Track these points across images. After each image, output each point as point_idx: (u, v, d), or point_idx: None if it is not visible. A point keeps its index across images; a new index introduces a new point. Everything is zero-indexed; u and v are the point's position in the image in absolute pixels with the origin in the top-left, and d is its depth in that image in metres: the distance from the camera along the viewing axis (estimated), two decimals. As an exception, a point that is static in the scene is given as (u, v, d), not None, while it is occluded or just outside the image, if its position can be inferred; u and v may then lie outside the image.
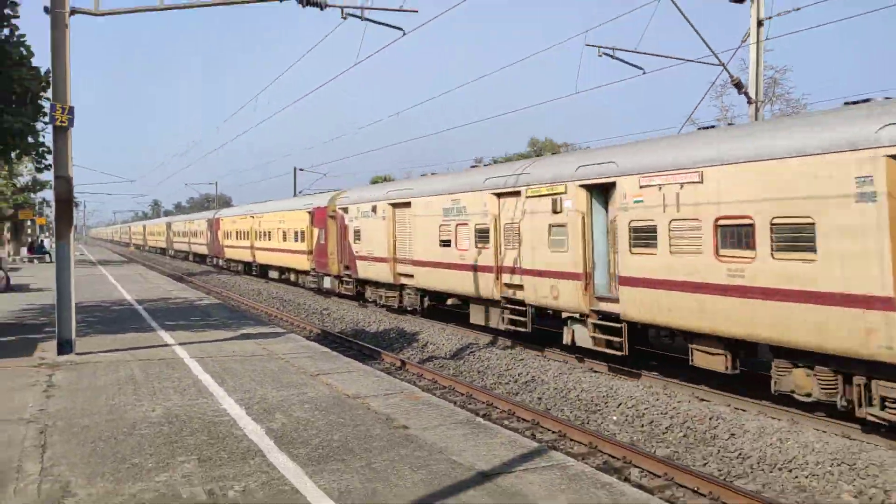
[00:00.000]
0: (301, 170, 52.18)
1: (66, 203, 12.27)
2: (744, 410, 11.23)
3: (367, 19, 15.07)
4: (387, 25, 14.96)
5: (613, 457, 9.86)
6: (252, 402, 8.95)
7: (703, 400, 11.94)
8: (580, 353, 15.03)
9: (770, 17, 14.14)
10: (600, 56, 15.28)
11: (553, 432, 11.09)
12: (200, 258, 59.15)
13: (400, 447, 7.10)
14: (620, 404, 12.14)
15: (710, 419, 10.87)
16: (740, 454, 9.65)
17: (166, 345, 13.58)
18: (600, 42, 15.79)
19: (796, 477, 8.83)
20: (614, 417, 11.72)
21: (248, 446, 7.08)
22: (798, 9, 13.41)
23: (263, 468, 6.44)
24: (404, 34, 15.20)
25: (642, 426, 11.20)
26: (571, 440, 10.74)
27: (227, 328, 16.05)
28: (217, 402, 8.91)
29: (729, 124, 13.78)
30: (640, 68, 15.84)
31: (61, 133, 12.02)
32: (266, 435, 7.48)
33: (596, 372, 14.37)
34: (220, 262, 50.21)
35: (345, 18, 15.06)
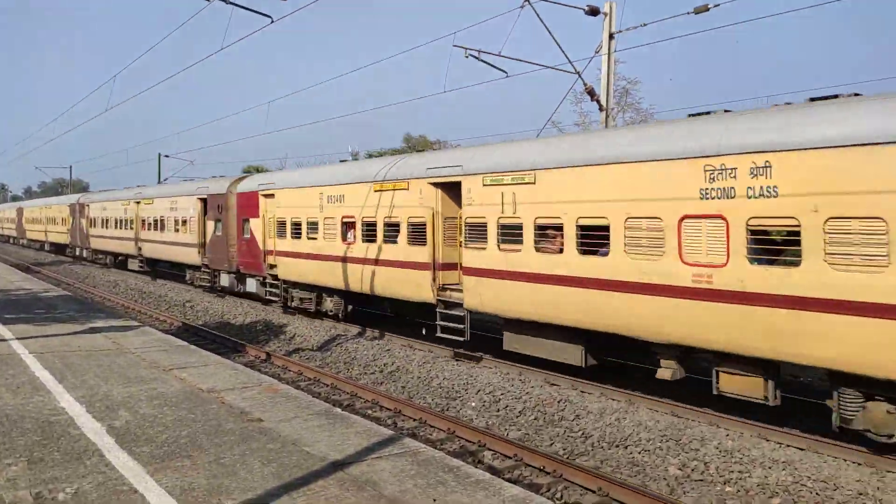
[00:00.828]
0: (166, 156, 49.26)
1: None
2: (589, 393, 12.08)
3: (234, 3, 14.56)
4: (254, 11, 14.53)
5: (470, 441, 10.28)
6: (94, 399, 8.49)
7: (553, 384, 12.70)
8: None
9: (620, 31, 15.22)
10: (467, 57, 15.74)
11: (414, 420, 11.38)
12: (173, 267, 32.58)
13: (252, 441, 7.05)
14: (479, 391, 12.66)
15: (559, 402, 11.60)
16: (583, 433, 10.39)
17: (2, 339, 12.51)
18: (468, 44, 16.25)
19: (630, 453, 9.64)
20: (473, 403, 12.20)
21: (85, 446, 6.74)
22: (644, 24, 14.61)
23: (100, 468, 6.17)
24: (273, 21, 14.82)
25: (498, 411, 11.74)
26: (431, 426, 11.07)
27: (74, 322, 15.01)
28: (54, 400, 8.38)
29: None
30: (504, 71, 16.49)
31: None
32: (107, 433, 7.15)
33: (458, 360, 14.86)
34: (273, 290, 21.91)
35: (209, 1, 14.46)
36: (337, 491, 5.82)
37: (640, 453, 9.59)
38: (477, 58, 15.86)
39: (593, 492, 8.32)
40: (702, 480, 8.65)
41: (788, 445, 9.36)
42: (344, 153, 53.98)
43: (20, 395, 8.60)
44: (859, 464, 8.67)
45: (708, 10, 13.23)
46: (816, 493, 8.01)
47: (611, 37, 15.39)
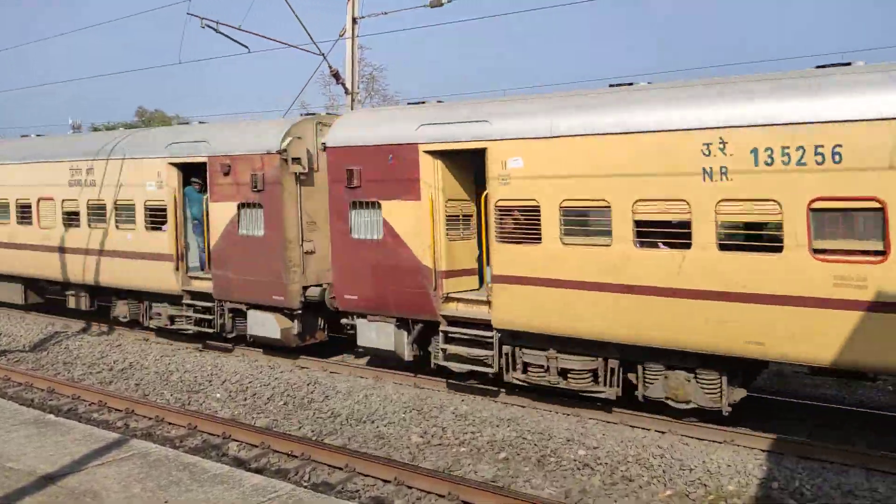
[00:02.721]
0: None
1: None
2: (338, 373, 12.26)
3: None
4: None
5: (213, 434, 9.81)
6: None
7: (303, 368, 12.66)
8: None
9: (363, 17, 15.46)
10: (203, 28, 14.70)
11: (150, 419, 10.53)
12: None
13: (-67, 464, 5.93)
14: (225, 381, 12.13)
15: (309, 385, 11.59)
16: (332, 413, 10.52)
17: None
18: (207, 13, 15.18)
19: (377, 427, 10.00)
20: (218, 395, 11.66)
21: None
22: (385, 13, 15.08)
23: None
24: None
25: (245, 400, 11.37)
26: (170, 424, 10.35)
27: None
28: None
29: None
30: (246, 46, 15.73)
31: None
32: None
33: (201, 351, 14.06)
34: None
35: None
36: (47, 508, 5.17)
37: (385, 426, 9.98)
38: (215, 29, 14.90)
39: (341, 469, 8.48)
40: (440, 445, 9.29)
41: (513, 405, 10.46)
42: (63, 126, 47.39)
43: None
44: (567, 414, 10.01)
45: (442, 5, 14.04)
46: (535, 444, 9.07)
47: (354, 21, 15.53)
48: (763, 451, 8.50)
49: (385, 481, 8.11)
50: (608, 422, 9.66)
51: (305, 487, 8.09)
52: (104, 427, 9.75)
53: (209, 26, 14.81)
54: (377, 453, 9.01)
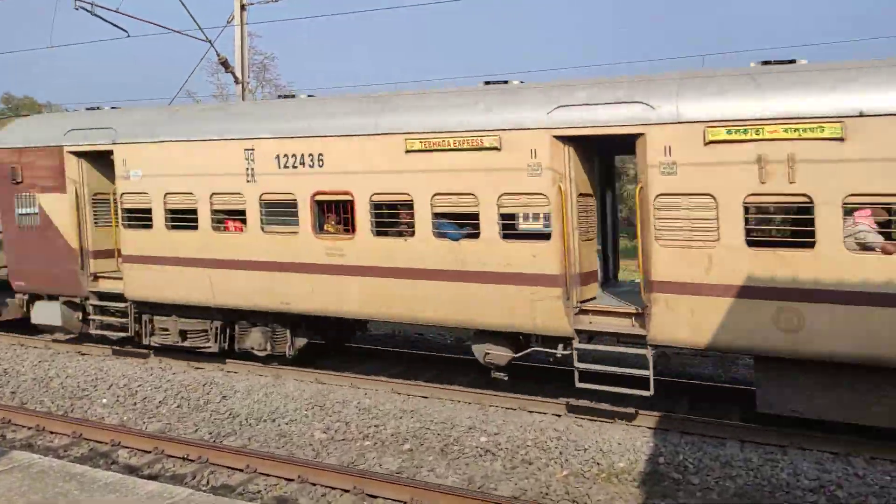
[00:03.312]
0: None
1: None
2: (235, 373, 11.90)
3: None
4: None
5: (101, 442, 9.30)
6: None
7: (198, 368, 12.20)
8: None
9: (252, 3, 14.97)
10: (77, 9, 13.69)
11: (29, 428, 9.84)
12: None
13: None
14: (112, 385, 11.50)
15: (204, 385, 11.20)
16: (231, 414, 10.23)
17: None
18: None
19: (279, 425, 9.82)
20: (104, 400, 11.03)
21: None
22: (276, 0, 14.65)
23: None
24: None
25: (135, 404, 10.83)
26: (52, 433, 9.71)
27: None
28: None
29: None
30: (125, 30, 14.80)
31: None
32: None
33: (85, 355, 13.23)
34: None
35: None
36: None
37: (287, 424, 9.83)
38: (90, 11, 13.92)
39: (241, 470, 8.28)
40: (344, 440, 9.26)
41: (415, 396, 10.57)
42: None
43: None
44: (469, 403, 10.25)
45: (338, -6, 13.87)
46: (438, 434, 9.23)
47: (242, 7, 15.00)
48: (650, 428, 9.08)
49: (288, 480, 8.00)
50: (509, 408, 9.97)
51: (204, 491, 7.86)
52: (-24, 440, 9.03)
53: (83, 8, 13.83)
54: (279, 452, 8.87)
